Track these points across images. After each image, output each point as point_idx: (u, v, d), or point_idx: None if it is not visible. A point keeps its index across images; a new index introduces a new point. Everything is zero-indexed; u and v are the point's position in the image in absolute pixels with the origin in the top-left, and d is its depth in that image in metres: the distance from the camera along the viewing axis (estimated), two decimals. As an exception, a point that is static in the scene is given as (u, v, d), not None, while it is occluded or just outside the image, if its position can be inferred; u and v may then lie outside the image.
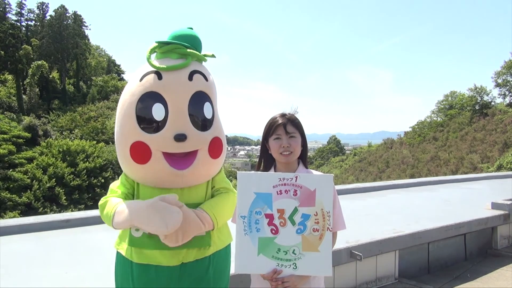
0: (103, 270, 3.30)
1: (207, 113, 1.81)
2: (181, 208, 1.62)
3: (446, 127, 42.42)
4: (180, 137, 1.69)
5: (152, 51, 1.80)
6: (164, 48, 1.78)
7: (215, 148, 1.83)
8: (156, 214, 1.57)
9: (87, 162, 32.70)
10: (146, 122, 1.73)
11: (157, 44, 1.79)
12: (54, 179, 30.12)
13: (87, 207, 29.02)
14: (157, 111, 1.71)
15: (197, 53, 1.83)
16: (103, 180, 32.40)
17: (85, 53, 59.44)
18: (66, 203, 30.02)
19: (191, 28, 1.90)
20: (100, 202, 1.84)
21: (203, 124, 1.80)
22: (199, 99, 1.78)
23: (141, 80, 1.76)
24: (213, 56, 1.91)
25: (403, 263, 4.41)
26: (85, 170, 32.05)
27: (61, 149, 32.76)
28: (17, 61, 43.20)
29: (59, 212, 27.83)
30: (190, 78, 1.75)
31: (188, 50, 1.78)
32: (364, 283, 4.04)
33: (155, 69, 1.73)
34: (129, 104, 1.76)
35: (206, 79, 1.82)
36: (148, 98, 1.72)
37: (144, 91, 1.73)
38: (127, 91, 1.81)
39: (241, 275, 2.70)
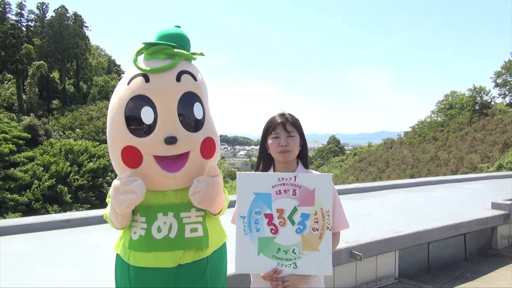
0: (103, 271, 3.30)
1: (198, 113, 1.78)
2: (136, 181, 1.65)
3: (446, 127, 42.40)
4: (171, 140, 1.67)
5: (139, 52, 1.77)
6: (151, 49, 1.75)
7: (207, 148, 1.81)
8: (117, 192, 1.65)
9: (91, 163, 32.70)
10: (136, 126, 1.71)
11: (143, 45, 1.76)
12: (54, 179, 30.04)
13: (92, 206, 28.99)
14: (146, 115, 1.69)
15: (185, 52, 1.80)
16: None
17: (85, 53, 59.43)
18: (70, 201, 30.01)
19: (179, 26, 1.87)
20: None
21: (194, 125, 1.77)
22: (189, 100, 1.75)
23: (128, 83, 1.73)
24: (201, 54, 1.88)
25: (403, 263, 4.41)
26: (91, 172, 32.05)
27: (63, 148, 32.71)
28: (18, 61, 43.20)
29: (61, 211, 27.82)
30: (178, 79, 1.73)
31: (176, 50, 1.76)
32: (364, 283, 4.04)
33: (142, 72, 1.71)
34: (117, 108, 1.74)
35: (195, 79, 1.78)
36: (136, 102, 1.70)
37: (132, 95, 1.71)
38: (115, 95, 1.79)
39: (241, 275, 2.71)
